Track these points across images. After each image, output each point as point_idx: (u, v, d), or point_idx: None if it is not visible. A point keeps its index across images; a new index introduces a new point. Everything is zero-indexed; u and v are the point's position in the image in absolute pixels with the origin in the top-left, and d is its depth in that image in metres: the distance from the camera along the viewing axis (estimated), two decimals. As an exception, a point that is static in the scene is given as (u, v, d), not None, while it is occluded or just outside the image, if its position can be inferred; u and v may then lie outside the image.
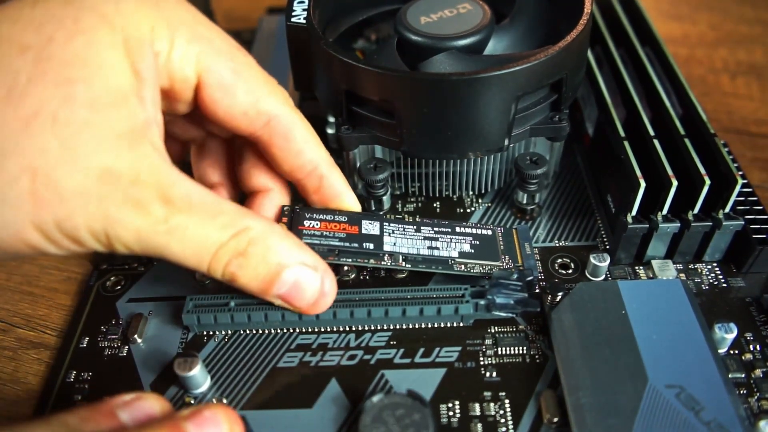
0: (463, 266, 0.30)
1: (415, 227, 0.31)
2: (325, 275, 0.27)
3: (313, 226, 0.30)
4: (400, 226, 0.31)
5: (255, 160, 0.30)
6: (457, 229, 0.31)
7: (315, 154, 0.29)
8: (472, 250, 0.30)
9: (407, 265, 0.29)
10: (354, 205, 0.31)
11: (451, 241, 0.30)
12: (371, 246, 0.30)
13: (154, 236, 0.23)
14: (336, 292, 0.28)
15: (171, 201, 0.23)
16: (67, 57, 0.21)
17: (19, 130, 0.20)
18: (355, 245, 0.30)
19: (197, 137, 0.31)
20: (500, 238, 0.31)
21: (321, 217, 0.30)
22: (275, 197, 0.31)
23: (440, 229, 0.31)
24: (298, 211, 0.30)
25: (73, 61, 0.21)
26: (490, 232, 0.32)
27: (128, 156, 0.22)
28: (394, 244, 0.30)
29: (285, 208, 0.31)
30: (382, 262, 0.29)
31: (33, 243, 0.21)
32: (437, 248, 0.30)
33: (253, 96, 0.26)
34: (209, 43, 0.25)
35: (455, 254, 0.30)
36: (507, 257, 0.30)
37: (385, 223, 0.31)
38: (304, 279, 0.26)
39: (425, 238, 0.30)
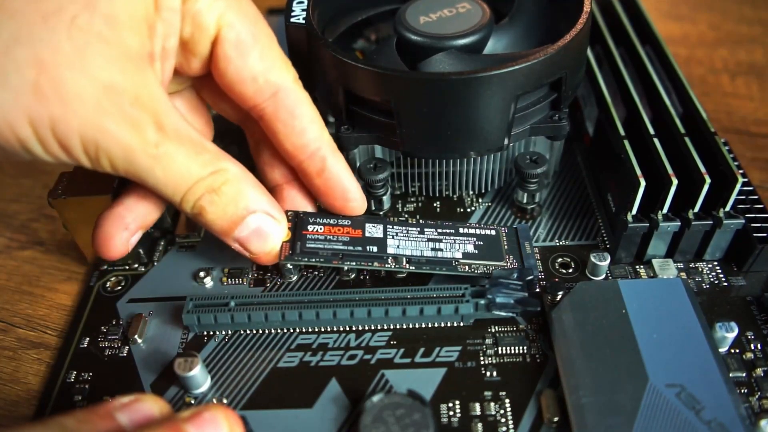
0: (467, 267, 0.30)
1: (418, 229, 0.31)
2: (284, 231, 0.29)
3: (317, 231, 0.30)
4: (403, 228, 0.31)
5: (270, 154, 0.31)
6: (461, 230, 0.31)
7: (319, 134, 0.29)
8: (476, 251, 0.30)
9: (411, 268, 0.29)
10: (357, 190, 0.31)
11: (454, 242, 0.30)
12: (375, 249, 0.30)
13: (142, 158, 0.23)
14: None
15: (164, 128, 0.24)
16: None
17: (37, 22, 0.21)
18: (359, 248, 0.29)
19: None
20: (504, 238, 0.31)
21: (324, 221, 0.30)
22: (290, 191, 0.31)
23: (444, 231, 0.31)
24: (301, 216, 0.30)
25: None
26: (493, 233, 0.31)
27: (133, 77, 0.23)
28: (398, 246, 0.30)
29: (288, 213, 0.30)
30: (386, 265, 0.29)
31: (22, 137, 0.22)
32: (441, 250, 0.30)
33: (265, 64, 0.27)
34: (237, 2, 0.26)
35: (459, 255, 0.30)
36: (511, 257, 0.30)
37: (388, 226, 0.31)
38: (266, 227, 0.28)
39: (429, 240, 0.30)
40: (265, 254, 0.29)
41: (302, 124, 0.28)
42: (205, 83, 0.29)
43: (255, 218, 0.27)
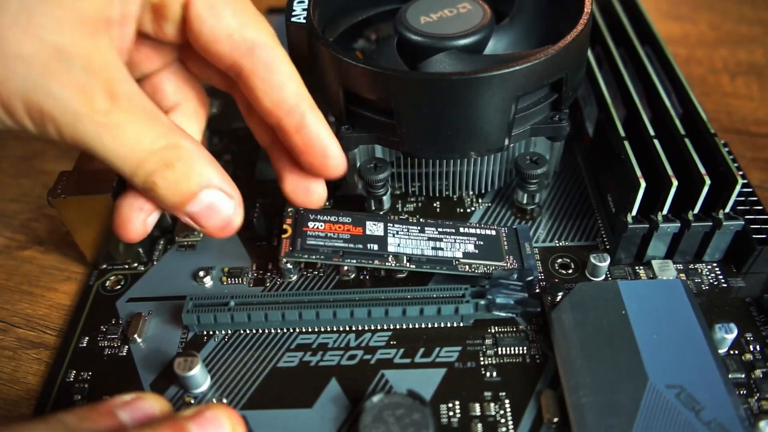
0: (467, 267, 0.30)
1: (419, 228, 0.31)
2: (237, 206, 0.28)
3: (318, 228, 0.30)
4: (404, 226, 0.31)
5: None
6: (461, 230, 0.31)
7: (298, 90, 0.28)
8: (477, 251, 0.30)
9: (411, 266, 0.29)
10: (336, 148, 0.29)
11: (455, 242, 0.30)
12: (375, 247, 0.30)
13: (91, 126, 0.23)
14: (241, 224, 0.28)
15: (116, 97, 0.23)
16: None
17: None
18: (360, 246, 0.30)
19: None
20: (504, 239, 0.31)
21: (325, 218, 0.30)
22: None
23: (444, 230, 0.31)
24: (302, 212, 0.30)
25: None
26: (494, 233, 0.32)
27: (86, 42, 0.22)
28: (399, 245, 0.30)
29: (289, 210, 0.30)
30: (387, 263, 0.29)
31: None
32: (441, 249, 0.30)
33: (239, 20, 0.26)
34: None
35: (459, 255, 0.30)
36: (511, 257, 0.30)
37: (389, 224, 0.31)
38: (218, 203, 0.27)
39: (429, 239, 0.30)
40: (217, 230, 0.28)
41: (280, 79, 0.27)
42: (190, 53, 0.29)
43: (207, 194, 0.26)
